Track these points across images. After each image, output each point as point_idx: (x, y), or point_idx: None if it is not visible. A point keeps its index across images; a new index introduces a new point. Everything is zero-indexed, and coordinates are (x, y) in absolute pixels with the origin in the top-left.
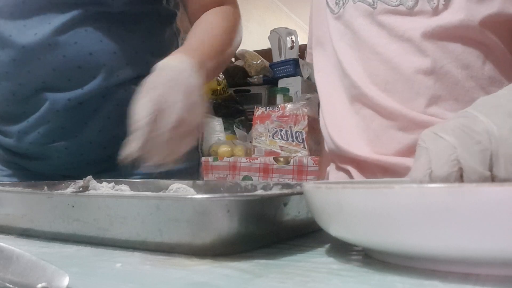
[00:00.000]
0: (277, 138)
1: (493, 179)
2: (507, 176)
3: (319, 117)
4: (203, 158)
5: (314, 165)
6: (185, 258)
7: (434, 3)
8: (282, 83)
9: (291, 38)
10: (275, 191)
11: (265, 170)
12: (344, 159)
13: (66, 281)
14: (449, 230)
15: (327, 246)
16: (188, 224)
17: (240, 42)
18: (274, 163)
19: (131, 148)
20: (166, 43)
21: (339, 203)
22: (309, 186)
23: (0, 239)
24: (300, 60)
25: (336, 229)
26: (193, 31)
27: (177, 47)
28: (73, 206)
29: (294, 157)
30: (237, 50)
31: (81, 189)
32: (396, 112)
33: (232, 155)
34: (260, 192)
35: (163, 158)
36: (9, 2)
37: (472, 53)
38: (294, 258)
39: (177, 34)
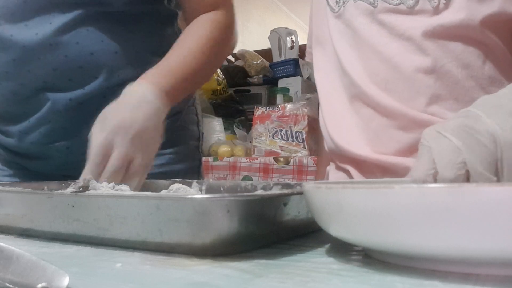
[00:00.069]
0: (277, 138)
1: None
2: (510, 181)
3: (319, 117)
4: (203, 158)
5: (314, 165)
6: (185, 258)
7: (435, 2)
8: (282, 83)
9: (291, 38)
10: (275, 191)
11: (265, 170)
12: (343, 159)
13: (66, 281)
14: (449, 230)
15: (327, 246)
16: (188, 224)
17: (235, 45)
18: (274, 163)
19: (83, 176)
20: (167, 43)
21: (339, 203)
22: (309, 186)
23: (0, 239)
24: (300, 60)
25: (336, 229)
26: (172, 49)
27: None
28: (73, 206)
29: (294, 157)
30: (237, 50)
31: (81, 189)
32: (396, 111)
33: (232, 155)
34: (260, 192)
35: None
36: (10, 2)
37: (473, 52)
38: (294, 258)
39: (178, 34)
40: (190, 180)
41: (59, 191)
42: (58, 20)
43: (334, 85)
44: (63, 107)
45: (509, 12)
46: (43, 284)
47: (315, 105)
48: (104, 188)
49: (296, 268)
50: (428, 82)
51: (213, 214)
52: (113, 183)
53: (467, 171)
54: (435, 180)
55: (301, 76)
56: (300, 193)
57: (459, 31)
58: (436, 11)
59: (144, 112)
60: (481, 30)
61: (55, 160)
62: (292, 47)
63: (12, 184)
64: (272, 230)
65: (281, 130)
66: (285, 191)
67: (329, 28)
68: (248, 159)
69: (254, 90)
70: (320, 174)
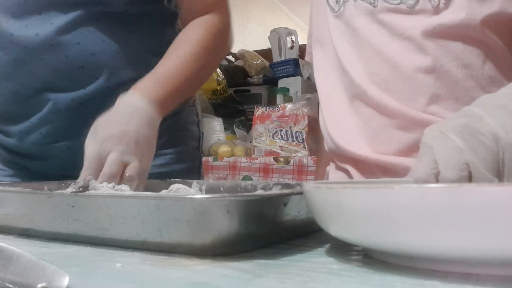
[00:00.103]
0: (277, 138)
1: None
2: (511, 181)
3: (319, 117)
4: (203, 158)
5: (314, 165)
6: (185, 258)
7: (435, 2)
8: (282, 83)
9: (291, 38)
10: (275, 191)
11: (265, 170)
12: (343, 159)
13: (66, 281)
14: (449, 230)
15: (327, 246)
16: (188, 224)
17: (231, 47)
18: (274, 163)
19: (81, 178)
20: (167, 43)
21: (339, 203)
22: (309, 186)
23: (0, 239)
24: (300, 60)
25: (336, 229)
26: (165, 57)
27: None
28: (73, 206)
29: (294, 157)
30: (237, 50)
31: (81, 189)
32: (396, 111)
33: (232, 155)
34: (260, 192)
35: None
36: (10, 2)
37: (473, 52)
38: (294, 258)
39: (178, 34)
40: (190, 180)
41: (59, 191)
42: (59, 20)
43: (334, 85)
44: (64, 107)
45: (509, 12)
46: (43, 284)
47: (315, 105)
48: (104, 188)
49: (296, 268)
50: (428, 81)
51: (213, 214)
52: (113, 183)
53: (470, 172)
54: (437, 180)
55: (301, 76)
56: (300, 193)
57: (459, 31)
58: (436, 10)
59: (137, 120)
60: (481, 30)
61: (56, 160)
62: (292, 47)
63: (12, 184)
64: (272, 230)
65: (281, 130)
66: (285, 191)
67: (329, 28)
68: (248, 159)
69: (254, 90)
70: (319, 174)
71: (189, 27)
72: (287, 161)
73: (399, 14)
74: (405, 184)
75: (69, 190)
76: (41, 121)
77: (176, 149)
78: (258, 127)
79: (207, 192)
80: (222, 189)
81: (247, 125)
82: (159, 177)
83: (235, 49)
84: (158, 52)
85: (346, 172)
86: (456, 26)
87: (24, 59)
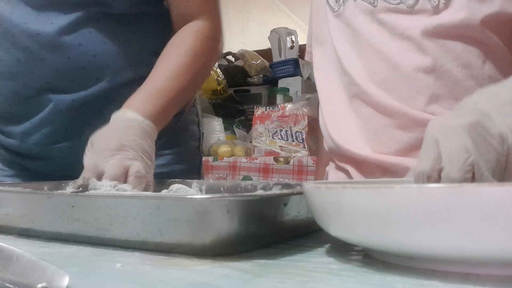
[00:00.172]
0: (277, 138)
1: None
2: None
3: (318, 117)
4: (203, 158)
5: (314, 165)
6: (185, 258)
7: (435, 2)
8: (282, 83)
9: (291, 38)
10: (275, 191)
11: (265, 170)
12: (343, 158)
13: (66, 281)
14: (449, 230)
15: (327, 246)
16: (188, 224)
17: (222, 52)
18: (274, 163)
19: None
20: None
21: (339, 203)
22: (309, 186)
23: (0, 239)
24: (300, 60)
25: (336, 229)
26: (156, 67)
27: None
28: (73, 206)
29: (294, 157)
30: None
31: (80, 188)
32: (396, 110)
33: (232, 155)
34: (260, 192)
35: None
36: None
37: (473, 52)
38: (294, 258)
39: (169, 41)
40: (190, 180)
41: (59, 191)
42: (60, 20)
43: (334, 85)
44: (65, 108)
45: (509, 12)
46: (43, 284)
47: (315, 105)
48: (105, 187)
49: (296, 268)
50: (428, 81)
51: (213, 214)
52: (114, 182)
53: (473, 173)
54: (439, 176)
55: (301, 76)
56: (300, 193)
57: (459, 31)
58: (436, 10)
59: (133, 133)
60: (481, 29)
61: (57, 160)
62: (292, 47)
63: (12, 184)
64: (272, 230)
65: (281, 130)
66: (285, 191)
67: (329, 28)
68: (248, 159)
69: (254, 90)
70: (319, 174)
71: (179, 35)
72: (287, 161)
73: (398, 14)
74: (405, 184)
75: (69, 189)
76: (42, 122)
77: (176, 149)
78: (258, 127)
79: (207, 192)
80: (222, 189)
81: (247, 125)
82: (159, 177)
83: (235, 49)
84: (159, 52)
85: (346, 172)
86: (456, 26)
87: (26, 59)
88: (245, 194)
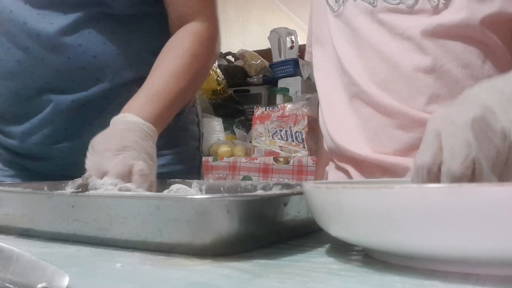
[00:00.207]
0: (277, 138)
1: None
2: None
3: (318, 117)
4: (203, 158)
5: (314, 165)
6: (185, 258)
7: (435, 2)
8: (282, 83)
9: (291, 38)
10: (275, 191)
11: (265, 170)
12: (343, 158)
13: (66, 281)
14: (449, 230)
15: (327, 246)
16: (188, 224)
17: (218, 54)
18: (274, 163)
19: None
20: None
21: (339, 203)
22: (309, 186)
23: (0, 239)
24: (300, 60)
25: (336, 229)
26: (154, 70)
27: None
28: (73, 206)
29: (294, 157)
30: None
31: (80, 189)
32: (396, 110)
33: (232, 155)
34: (260, 192)
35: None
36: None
37: (472, 52)
38: (294, 258)
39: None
40: (190, 181)
41: (59, 191)
42: (60, 20)
43: (333, 85)
44: (66, 108)
45: (509, 12)
46: (43, 284)
47: (315, 105)
48: (105, 185)
49: (296, 268)
50: (428, 81)
51: (213, 214)
52: (115, 181)
53: (474, 168)
54: (439, 169)
55: (301, 76)
56: (300, 193)
57: (459, 31)
58: (436, 10)
59: (133, 134)
60: (481, 29)
61: (57, 160)
62: (292, 47)
63: (12, 184)
64: (272, 230)
65: (280, 130)
66: (285, 191)
67: (328, 28)
68: (248, 159)
69: (254, 90)
70: (319, 174)
71: (177, 36)
72: (287, 161)
73: (398, 14)
74: (405, 184)
75: (68, 188)
76: (42, 122)
77: (176, 149)
78: (258, 127)
79: (207, 192)
80: (222, 189)
81: (247, 125)
82: (159, 177)
83: (235, 49)
84: (159, 53)
85: (346, 172)
86: (455, 26)
87: (26, 59)
88: (245, 194)
